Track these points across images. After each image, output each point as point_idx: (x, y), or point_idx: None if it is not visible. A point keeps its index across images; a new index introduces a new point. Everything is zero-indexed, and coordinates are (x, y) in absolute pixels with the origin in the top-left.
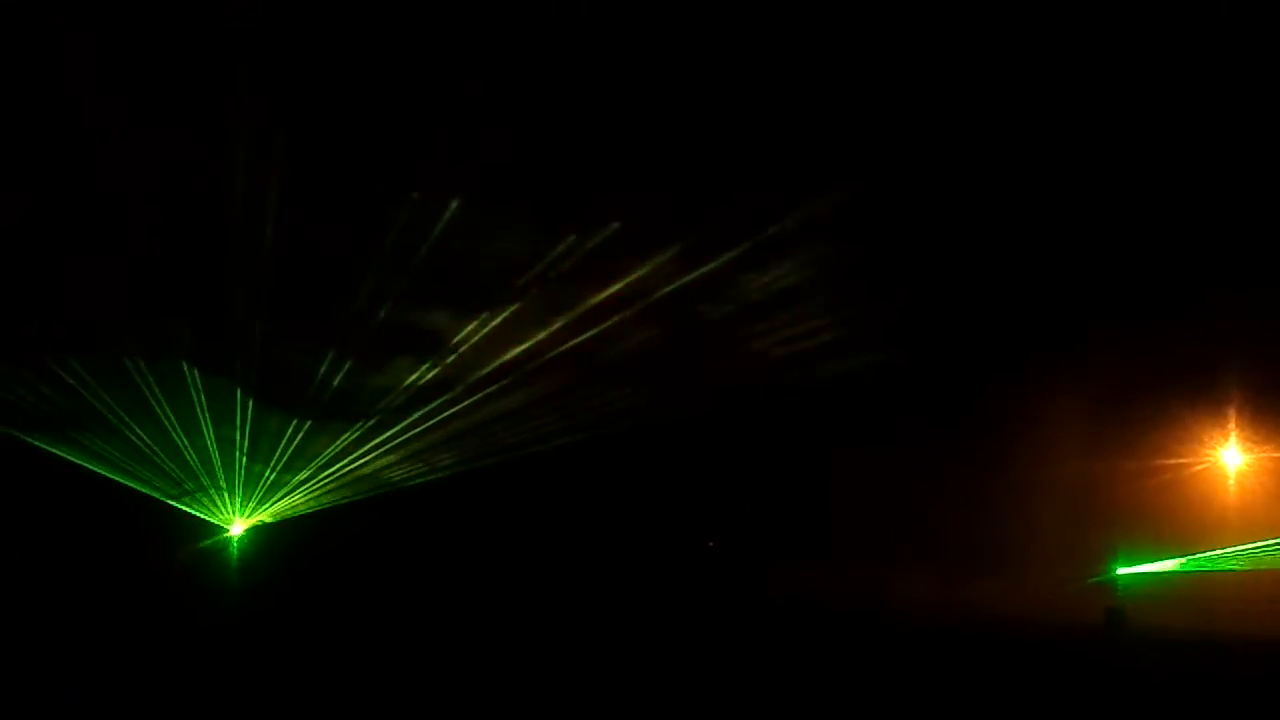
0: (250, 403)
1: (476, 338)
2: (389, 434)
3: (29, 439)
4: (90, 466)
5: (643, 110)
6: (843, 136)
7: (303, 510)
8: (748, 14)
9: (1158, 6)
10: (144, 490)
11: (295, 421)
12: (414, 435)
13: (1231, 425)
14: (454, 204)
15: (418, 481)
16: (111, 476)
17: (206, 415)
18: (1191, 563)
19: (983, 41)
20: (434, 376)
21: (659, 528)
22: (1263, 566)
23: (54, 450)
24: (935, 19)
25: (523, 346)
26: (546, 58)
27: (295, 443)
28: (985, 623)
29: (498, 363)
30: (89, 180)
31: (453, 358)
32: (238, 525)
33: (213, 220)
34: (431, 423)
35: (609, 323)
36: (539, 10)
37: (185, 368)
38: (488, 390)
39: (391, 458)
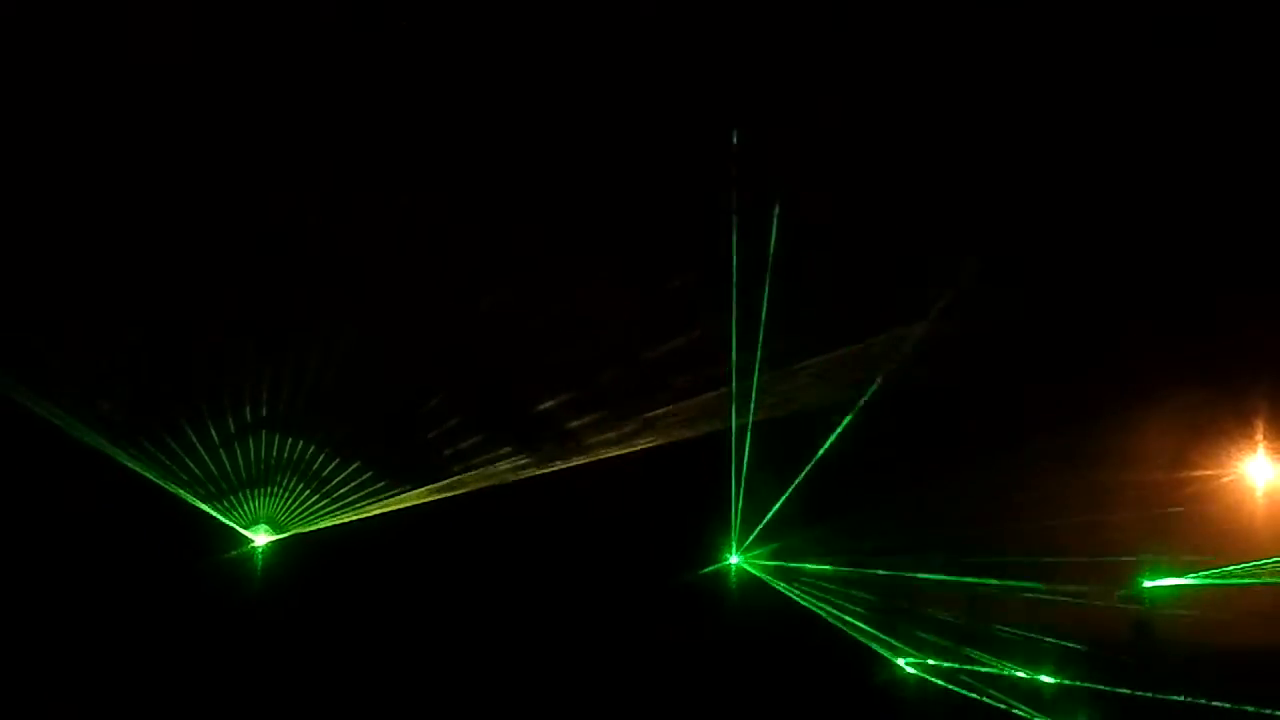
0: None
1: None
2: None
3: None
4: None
5: None
6: None
7: (326, 524)
8: None
9: None
10: (174, 490)
11: (323, 442)
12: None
13: (1260, 436)
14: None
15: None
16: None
17: (242, 433)
18: (1219, 575)
19: None
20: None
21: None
22: None
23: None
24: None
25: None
26: None
27: (323, 463)
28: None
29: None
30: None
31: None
32: (262, 537)
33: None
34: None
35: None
36: None
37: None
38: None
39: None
